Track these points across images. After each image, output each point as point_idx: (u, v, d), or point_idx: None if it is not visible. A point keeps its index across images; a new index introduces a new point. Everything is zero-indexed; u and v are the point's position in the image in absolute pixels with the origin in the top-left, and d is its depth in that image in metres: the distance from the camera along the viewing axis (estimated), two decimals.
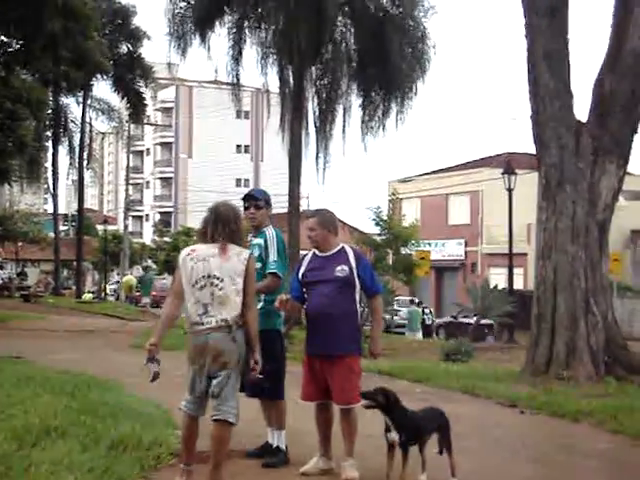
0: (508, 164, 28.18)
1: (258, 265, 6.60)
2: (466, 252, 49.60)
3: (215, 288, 5.73)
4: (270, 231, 6.95)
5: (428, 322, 34.46)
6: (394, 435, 5.96)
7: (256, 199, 6.95)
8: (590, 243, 13.07)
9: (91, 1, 29.43)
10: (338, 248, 6.61)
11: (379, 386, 6.25)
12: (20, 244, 57.25)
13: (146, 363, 5.93)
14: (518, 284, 33.91)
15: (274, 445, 6.82)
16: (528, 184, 20.07)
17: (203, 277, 5.76)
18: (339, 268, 6.46)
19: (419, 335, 31.32)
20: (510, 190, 26.78)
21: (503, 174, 27.47)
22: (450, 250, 49.72)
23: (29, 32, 27.27)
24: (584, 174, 13.13)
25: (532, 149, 13.88)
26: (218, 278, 5.74)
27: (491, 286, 22.52)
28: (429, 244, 42.39)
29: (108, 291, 57.13)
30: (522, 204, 25.71)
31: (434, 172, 53.55)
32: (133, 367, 13.30)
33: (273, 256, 6.80)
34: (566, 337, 12.71)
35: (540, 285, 13.20)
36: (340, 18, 29.36)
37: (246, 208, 6.88)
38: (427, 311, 34.76)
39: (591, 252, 13.06)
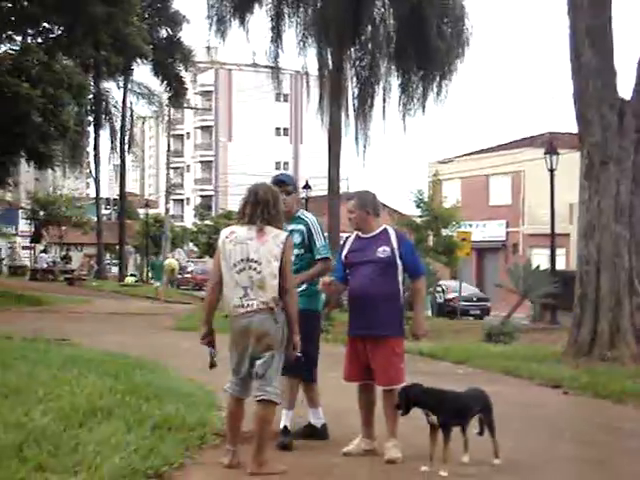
0: (550, 144, 27.87)
1: (301, 251, 6.64)
2: (507, 233, 49.26)
3: (253, 272, 5.76)
4: (309, 216, 6.95)
5: (440, 300, 33.78)
6: (433, 417, 5.97)
7: (286, 184, 6.84)
8: (634, 222, 12.91)
9: None
10: (380, 229, 6.61)
11: (402, 387, 6.23)
12: (63, 228, 57.94)
13: (209, 353, 6.07)
14: (560, 264, 33.60)
15: (318, 424, 6.87)
16: (570, 164, 19.85)
17: (241, 260, 5.79)
18: (381, 249, 6.46)
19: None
20: (552, 170, 26.49)
21: (545, 154, 27.17)
22: (491, 231, 49.41)
23: (70, 18, 27.51)
24: (627, 152, 12.95)
25: (574, 128, 13.72)
26: (256, 261, 5.76)
27: (533, 267, 22.31)
28: (470, 225, 42.22)
29: (150, 274, 57.65)
30: (564, 184, 25.45)
31: (475, 153, 53.17)
32: (176, 349, 13.48)
33: (320, 241, 6.81)
34: (610, 317, 12.59)
35: (583, 265, 13.08)
36: None
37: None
38: (439, 289, 33.76)
39: (635, 231, 12.90)
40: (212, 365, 6.10)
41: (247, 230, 5.85)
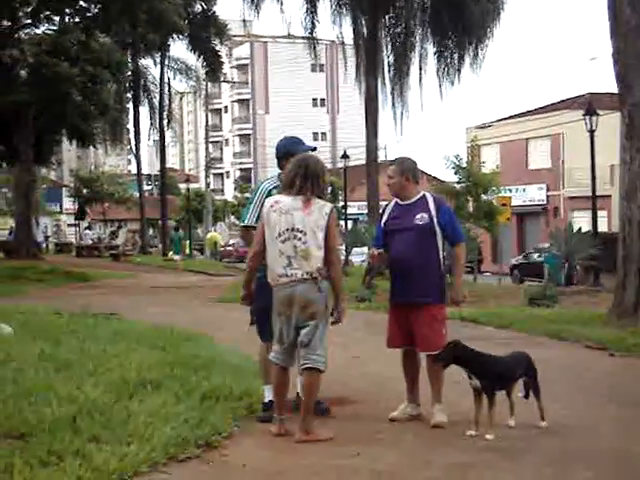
0: (589, 105, 27.49)
1: None
2: (548, 196, 48.79)
3: (298, 242, 5.81)
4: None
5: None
6: (476, 381, 6.01)
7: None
8: None
9: None
10: (419, 196, 6.62)
11: (448, 342, 6.27)
12: (106, 205, 58.56)
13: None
14: (602, 227, 33.26)
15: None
16: (611, 125, 19.60)
17: (287, 230, 5.84)
18: (419, 216, 6.48)
19: None
20: (592, 132, 26.15)
21: (584, 115, 26.81)
22: (531, 195, 48.99)
23: None
24: None
25: (614, 89, 13.55)
26: (301, 231, 5.82)
27: (575, 229, 22.12)
28: (510, 190, 41.85)
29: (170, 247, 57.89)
30: (605, 145, 25.14)
31: (513, 117, 52.57)
32: (221, 320, 13.63)
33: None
34: None
35: (625, 226, 12.95)
36: None
37: None
38: None
39: None
40: (252, 323, 6.52)
41: (292, 200, 5.89)
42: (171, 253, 41.50)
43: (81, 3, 30.46)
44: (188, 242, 48.97)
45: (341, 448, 5.74)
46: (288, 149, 6.54)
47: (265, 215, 5.97)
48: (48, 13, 30.78)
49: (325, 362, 5.90)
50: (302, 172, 5.92)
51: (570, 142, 44.07)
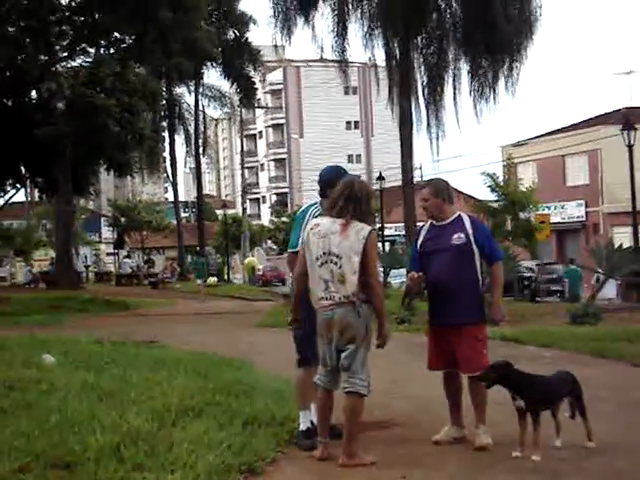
0: (627, 119, 27.31)
1: None
2: (587, 213, 48.32)
3: (334, 266, 5.79)
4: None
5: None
6: (520, 402, 5.94)
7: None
8: None
9: None
10: (454, 216, 6.58)
11: (492, 363, 6.20)
12: (145, 233, 59.05)
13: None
14: None
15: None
16: None
17: (323, 254, 5.84)
18: (456, 236, 6.44)
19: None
20: (630, 146, 25.95)
21: (622, 130, 26.63)
22: (570, 212, 48.54)
23: (140, 27, 28.02)
24: None
25: None
26: (337, 256, 5.79)
27: (616, 245, 21.87)
28: (548, 207, 41.60)
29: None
30: None
31: (548, 133, 52.26)
32: (261, 346, 13.64)
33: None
34: None
35: None
36: None
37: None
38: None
39: None
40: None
41: (331, 223, 5.88)
42: (196, 278, 42.07)
43: (116, 35, 30.91)
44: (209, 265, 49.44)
45: (385, 472, 5.70)
46: (330, 178, 6.42)
47: (306, 237, 5.97)
48: (84, 46, 31.27)
49: (368, 386, 5.87)
50: (346, 193, 5.89)
51: (608, 157, 43.68)
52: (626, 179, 27.00)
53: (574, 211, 48.64)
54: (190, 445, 5.74)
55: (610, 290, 27.87)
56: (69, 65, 32.59)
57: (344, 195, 5.89)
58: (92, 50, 31.62)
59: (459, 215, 6.61)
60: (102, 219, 67.39)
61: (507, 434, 6.24)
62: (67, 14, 30.60)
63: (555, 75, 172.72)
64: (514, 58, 29.02)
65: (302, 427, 6.41)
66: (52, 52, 30.92)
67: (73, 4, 30.72)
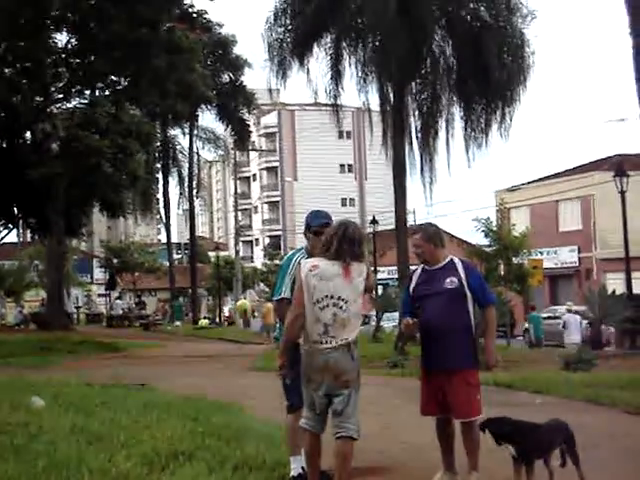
0: (619, 166, 27.48)
1: None
2: (580, 258, 48.44)
3: (339, 310, 5.73)
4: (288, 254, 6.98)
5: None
6: (512, 449, 5.88)
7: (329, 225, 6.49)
8: None
9: (193, 35, 30.23)
10: (447, 260, 6.58)
11: (484, 420, 6.15)
12: (137, 274, 58.94)
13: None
14: (637, 288, 32.90)
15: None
16: None
17: (326, 297, 5.76)
18: (448, 280, 6.43)
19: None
20: (623, 192, 26.07)
21: (615, 176, 26.78)
22: (563, 257, 48.66)
23: (136, 70, 28.21)
24: None
25: None
26: (344, 300, 5.74)
27: (608, 292, 21.91)
28: (541, 252, 41.55)
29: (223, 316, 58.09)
30: (636, 206, 25.05)
31: (542, 179, 52.57)
32: (252, 389, 13.53)
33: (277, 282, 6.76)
34: None
35: None
36: (437, 31, 29.25)
37: (319, 234, 6.30)
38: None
39: None
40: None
41: (331, 265, 5.82)
42: (174, 319, 42.71)
43: (111, 77, 31.11)
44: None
45: None
46: (307, 221, 6.57)
47: (304, 278, 5.85)
48: (79, 87, 31.44)
49: (359, 430, 5.81)
50: (340, 235, 5.86)
51: (601, 203, 43.91)
52: (619, 225, 27.10)
53: (567, 256, 48.76)
54: None
55: (575, 335, 28.03)
56: (64, 107, 32.73)
57: (338, 236, 5.86)
58: (87, 92, 31.79)
59: (451, 259, 6.61)
60: (94, 260, 67.29)
61: None
62: (63, 56, 30.83)
63: (549, 121, 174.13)
64: (507, 104, 29.21)
65: (293, 473, 6.34)
66: (48, 93, 31.08)
67: (69, 46, 30.96)
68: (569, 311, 29.93)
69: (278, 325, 6.61)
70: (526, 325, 33.32)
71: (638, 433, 9.02)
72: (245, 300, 55.52)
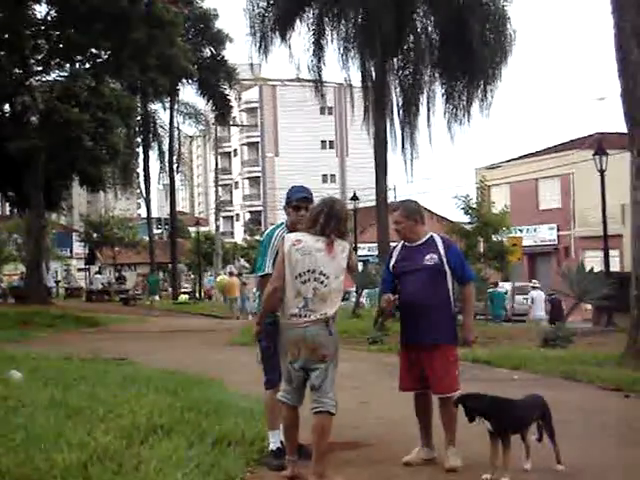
0: (599, 145, 27.55)
1: None
2: (559, 236, 48.74)
3: (320, 284, 5.78)
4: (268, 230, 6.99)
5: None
6: (490, 425, 5.93)
7: (311, 201, 6.53)
8: None
9: (174, 8, 29.96)
10: (427, 237, 6.60)
11: (459, 395, 6.19)
12: (117, 249, 58.72)
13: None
14: (614, 266, 33.15)
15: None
16: (620, 164, 19.61)
17: (308, 271, 5.81)
18: (428, 257, 6.46)
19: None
20: (602, 171, 26.17)
21: (594, 155, 26.86)
22: (542, 235, 48.95)
23: (116, 43, 27.94)
24: None
25: (623, 128, 13.56)
26: (324, 275, 5.79)
27: (586, 269, 22.02)
28: (520, 230, 41.84)
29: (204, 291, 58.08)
30: (615, 185, 25.12)
31: (522, 157, 52.74)
32: (231, 364, 13.56)
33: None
34: None
35: (637, 266, 12.89)
36: (420, 7, 29.19)
37: (298, 209, 6.42)
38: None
39: None
40: (263, 359, 6.50)
41: (315, 241, 5.87)
42: (149, 295, 42.92)
43: (92, 50, 30.81)
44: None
45: None
46: (288, 196, 6.62)
47: (287, 252, 5.89)
48: (59, 60, 31.13)
49: (336, 405, 5.85)
50: (327, 212, 5.91)
51: (580, 182, 44.13)
52: (597, 204, 27.24)
53: (546, 234, 49.04)
54: (158, 464, 5.69)
55: (540, 311, 28.59)
56: (44, 79, 32.42)
57: (324, 213, 5.90)
58: (67, 64, 31.48)
59: (431, 236, 6.63)
60: (74, 234, 66.94)
61: (477, 455, 6.23)
62: (43, 28, 30.49)
63: (530, 100, 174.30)
64: (488, 81, 29.26)
65: (272, 447, 6.38)
66: (27, 66, 30.76)
67: (49, 18, 30.62)
68: (534, 288, 30.33)
69: (258, 300, 6.63)
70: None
71: (613, 409, 9.12)
72: (225, 275, 55.48)
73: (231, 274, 38.05)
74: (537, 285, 30.74)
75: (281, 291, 5.89)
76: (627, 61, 13.02)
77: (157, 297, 41.30)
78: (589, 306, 25.39)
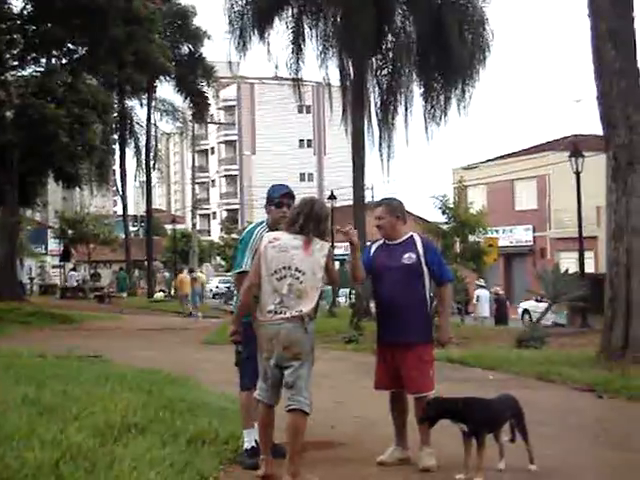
0: (575, 146, 27.72)
1: None
2: (534, 237, 49.00)
3: (295, 281, 5.79)
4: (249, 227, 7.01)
5: None
6: (464, 425, 5.94)
7: (293, 197, 6.59)
8: None
9: (152, 5, 29.82)
10: (407, 236, 6.62)
11: (427, 401, 6.20)
12: (92, 246, 58.31)
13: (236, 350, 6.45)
14: (589, 268, 33.38)
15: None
16: (596, 166, 19.75)
17: (284, 268, 5.82)
18: (406, 256, 6.47)
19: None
20: (578, 173, 26.33)
21: (570, 157, 27.01)
22: (518, 236, 49.20)
23: (93, 38, 27.77)
24: None
25: (600, 130, 13.65)
26: (300, 271, 5.80)
27: (562, 270, 22.16)
28: (496, 231, 42.04)
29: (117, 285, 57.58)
30: (591, 187, 25.29)
31: (499, 158, 52.98)
32: (207, 363, 13.52)
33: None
34: None
35: (612, 267, 12.98)
36: (399, 7, 29.21)
37: (281, 205, 6.46)
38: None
39: None
40: (238, 363, 6.47)
41: (292, 239, 5.89)
42: (118, 291, 42.94)
43: (68, 45, 30.60)
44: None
45: None
46: (268, 194, 6.63)
47: (263, 250, 5.93)
48: (35, 55, 30.89)
49: (310, 404, 5.83)
50: (306, 211, 5.93)
51: (556, 183, 44.38)
52: (573, 205, 27.39)
53: (522, 235, 49.28)
54: (132, 462, 5.65)
55: (485, 310, 28.98)
56: (19, 74, 32.15)
57: (304, 213, 5.93)
58: (43, 60, 31.24)
59: (411, 235, 6.64)
60: (49, 231, 66.45)
61: (451, 455, 6.24)
62: (18, 22, 30.23)
63: (507, 101, 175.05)
64: (466, 81, 29.30)
65: (246, 446, 6.37)
66: (2, 60, 30.48)
67: (25, 13, 30.37)
68: (479, 287, 30.62)
69: (236, 298, 6.62)
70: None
71: (586, 409, 9.18)
72: (201, 274, 55.30)
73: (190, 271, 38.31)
74: (482, 284, 31.04)
75: (256, 288, 5.90)
76: (603, 64, 13.10)
77: (124, 294, 41.46)
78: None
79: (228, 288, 47.43)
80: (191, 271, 40.00)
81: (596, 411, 9.15)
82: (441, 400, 6.06)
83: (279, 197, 6.50)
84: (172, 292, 54.15)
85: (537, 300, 31.67)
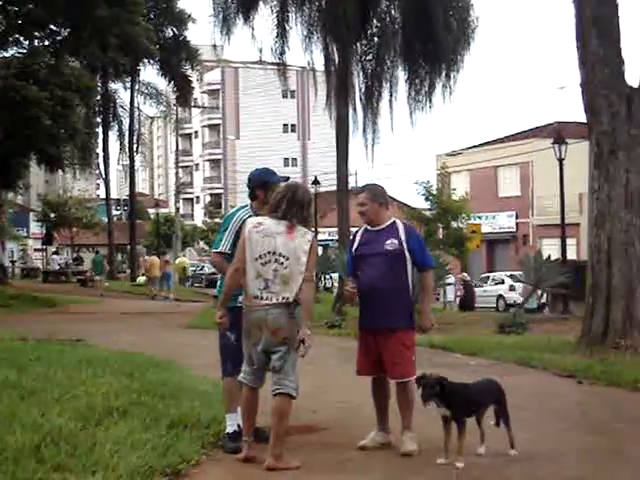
0: (558, 133, 27.78)
1: None
2: (517, 224, 49.19)
3: (280, 266, 5.81)
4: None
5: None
6: (445, 409, 5.97)
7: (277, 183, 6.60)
8: None
9: None
10: (389, 222, 6.62)
11: (417, 377, 6.22)
12: (74, 230, 58.06)
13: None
14: (571, 254, 33.53)
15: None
16: (579, 153, 19.81)
17: (268, 253, 5.84)
18: (389, 242, 6.48)
19: None
20: (561, 160, 26.39)
21: (553, 144, 27.07)
22: (501, 222, 49.38)
23: (77, 20, 27.53)
24: (636, 140, 12.89)
25: (582, 117, 13.69)
26: (284, 256, 5.82)
27: (544, 257, 22.25)
28: (479, 217, 42.14)
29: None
30: (573, 174, 25.38)
31: (483, 144, 53.08)
32: (189, 347, 13.52)
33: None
34: (622, 305, 12.54)
35: (594, 254, 13.05)
36: None
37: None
38: None
39: None
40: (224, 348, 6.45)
41: (276, 224, 5.90)
42: (95, 275, 42.99)
43: (51, 27, 30.33)
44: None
45: (310, 476, 5.70)
46: (263, 179, 6.55)
47: (247, 235, 5.94)
48: (17, 36, 30.59)
49: (297, 388, 5.87)
50: (289, 197, 5.95)
51: (539, 170, 44.52)
52: (556, 192, 27.47)
53: (505, 222, 49.47)
54: (113, 446, 5.67)
55: (450, 295, 29.23)
56: (0, 55, 31.84)
57: (287, 198, 5.94)
58: (26, 41, 30.94)
59: (394, 221, 6.65)
60: (31, 214, 66.12)
61: (433, 440, 6.27)
62: (0, 3, 29.93)
63: (491, 87, 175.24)
64: (451, 67, 29.29)
65: (229, 429, 6.38)
66: None
67: None
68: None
69: (219, 282, 6.61)
70: None
71: (567, 394, 9.24)
72: (184, 258, 55.23)
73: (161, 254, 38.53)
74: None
75: (241, 272, 5.91)
76: (587, 51, 13.12)
77: (98, 277, 41.73)
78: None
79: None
80: (163, 253, 40.16)
81: (576, 396, 9.21)
82: (428, 377, 6.04)
83: (278, 183, 6.48)
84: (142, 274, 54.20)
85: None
